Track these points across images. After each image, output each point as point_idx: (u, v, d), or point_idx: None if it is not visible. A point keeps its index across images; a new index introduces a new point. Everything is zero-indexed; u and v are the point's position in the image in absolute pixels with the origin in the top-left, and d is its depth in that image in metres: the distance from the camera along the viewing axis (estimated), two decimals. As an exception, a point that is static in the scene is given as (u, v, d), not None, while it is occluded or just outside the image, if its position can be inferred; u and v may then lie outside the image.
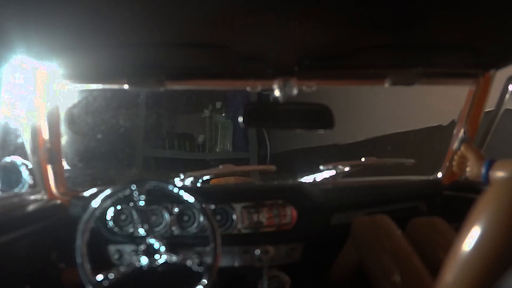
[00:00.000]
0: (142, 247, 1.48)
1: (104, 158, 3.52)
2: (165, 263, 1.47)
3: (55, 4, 0.98)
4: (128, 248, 1.63)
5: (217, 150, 4.49)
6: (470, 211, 1.03)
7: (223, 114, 4.56)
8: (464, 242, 1.01)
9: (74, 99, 2.23)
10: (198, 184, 1.99)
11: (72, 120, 1.97)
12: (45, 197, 1.62)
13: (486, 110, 1.69)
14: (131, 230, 1.63)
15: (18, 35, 1.16)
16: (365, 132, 3.67)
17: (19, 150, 1.61)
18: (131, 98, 3.81)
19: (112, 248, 1.64)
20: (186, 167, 3.87)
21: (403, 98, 2.91)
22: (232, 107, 4.56)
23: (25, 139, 1.57)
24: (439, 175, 1.89)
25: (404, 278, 1.23)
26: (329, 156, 3.81)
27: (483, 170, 1.20)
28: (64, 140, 1.71)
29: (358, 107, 3.57)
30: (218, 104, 4.54)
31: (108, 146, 3.54)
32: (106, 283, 1.40)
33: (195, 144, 4.49)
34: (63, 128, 1.70)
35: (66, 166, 1.72)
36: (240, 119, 1.49)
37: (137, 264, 1.46)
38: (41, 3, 0.97)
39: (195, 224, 1.64)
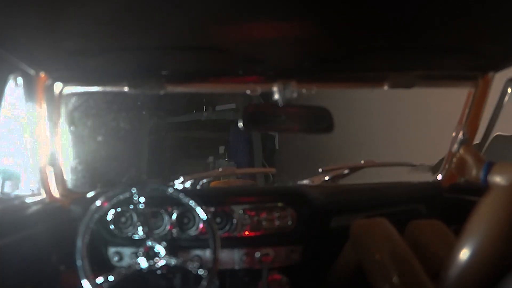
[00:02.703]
0: (142, 249, 1.48)
1: (105, 161, 3.53)
2: (165, 265, 1.47)
3: (56, 9, 0.98)
4: (128, 250, 1.63)
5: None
6: (470, 215, 1.03)
7: (226, 159, 4.66)
8: (465, 246, 1.01)
9: (76, 101, 2.24)
10: (198, 187, 1.99)
11: (73, 123, 1.97)
12: (45, 199, 1.62)
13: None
14: (131, 232, 1.63)
15: (19, 38, 1.17)
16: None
17: (20, 152, 1.62)
18: (129, 136, 3.87)
19: (112, 250, 1.64)
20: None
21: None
22: (234, 151, 4.68)
23: (26, 141, 1.57)
24: (439, 177, 1.89)
25: (402, 281, 1.23)
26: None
27: (482, 172, 1.21)
28: (64, 142, 1.72)
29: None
30: (221, 149, 4.64)
31: (109, 149, 3.55)
32: (106, 285, 1.41)
33: None
34: (63, 130, 1.71)
35: (66, 168, 1.73)
36: (240, 124, 1.49)
37: (137, 267, 1.46)
38: (42, 8, 0.97)
39: (195, 227, 1.64)
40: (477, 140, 1.72)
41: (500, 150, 1.79)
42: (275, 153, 5.33)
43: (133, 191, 1.47)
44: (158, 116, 4.61)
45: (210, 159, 4.68)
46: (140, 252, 1.48)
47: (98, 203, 1.46)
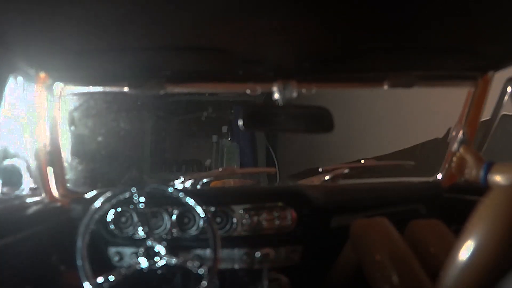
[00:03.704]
0: (142, 249, 1.48)
1: (105, 161, 3.53)
2: (165, 265, 1.47)
3: (56, 9, 0.98)
4: (128, 250, 1.63)
5: (224, 172, 4.57)
6: (471, 215, 1.03)
7: (229, 138, 4.63)
8: (463, 247, 1.01)
9: (76, 101, 2.24)
10: (198, 187, 1.99)
11: (73, 123, 1.97)
12: (45, 199, 1.62)
13: (482, 120, 1.70)
14: (131, 232, 1.64)
15: (19, 38, 1.17)
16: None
17: (20, 152, 1.62)
18: (132, 117, 3.86)
19: (112, 250, 1.65)
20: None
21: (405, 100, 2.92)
22: (237, 131, 4.64)
23: (26, 141, 1.57)
24: (439, 177, 1.89)
25: (402, 281, 1.23)
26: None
27: (481, 172, 1.21)
28: (64, 142, 1.72)
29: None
30: (224, 128, 4.61)
31: (109, 149, 3.55)
32: (106, 286, 1.41)
33: (202, 168, 4.57)
34: (64, 130, 1.71)
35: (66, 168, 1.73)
36: (240, 122, 1.49)
37: (137, 267, 1.46)
38: (42, 8, 0.98)
39: (195, 227, 1.64)
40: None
41: (506, 129, 1.78)
42: (278, 135, 5.24)
43: (133, 191, 1.47)
44: (161, 100, 4.57)
45: (214, 138, 4.64)
46: (141, 252, 1.48)
47: (97, 203, 1.46)
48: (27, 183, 1.63)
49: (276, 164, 4.37)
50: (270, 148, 4.52)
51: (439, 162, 1.89)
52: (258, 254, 1.66)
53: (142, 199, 1.48)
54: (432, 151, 2.70)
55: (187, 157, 4.67)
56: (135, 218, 1.62)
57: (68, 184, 1.72)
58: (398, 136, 3.35)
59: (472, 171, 1.29)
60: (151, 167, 4.35)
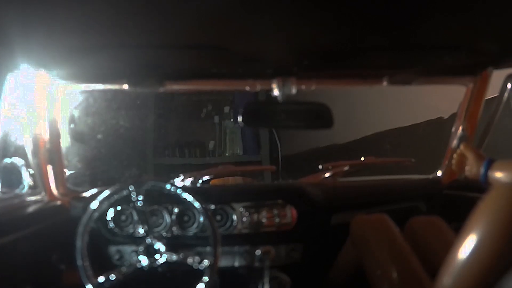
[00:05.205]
0: (143, 247, 1.48)
1: (105, 159, 3.51)
2: (166, 263, 1.47)
3: (55, 6, 0.98)
4: (128, 248, 1.63)
5: (227, 154, 4.53)
6: (470, 214, 1.03)
7: (231, 120, 4.59)
8: (463, 245, 1.01)
9: (76, 100, 2.24)
10: (198, 185, 1.99)
11: (72, 122, 1.97)
12: (45, 198, 1.62)
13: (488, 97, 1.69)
14: (131, 230, 1.64)
15: (18, 36, 1.17)
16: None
17: (20, 151, 1.62)
18: (134, 101, 3.83)
19: (112, 249, 1.64)
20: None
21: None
22: (239, 111, 4.57)
23: (26, 140, 1.57)
24: (439, 174, 1.89)
25: (401, 277, 1.24)
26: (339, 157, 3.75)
27: (482, 170, 1.20)
28: (64, 141, 1.71)
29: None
30: (226, 109, 4.57)
31: (109, 147, 3.53)
32: (107, 284, 1.41)
33: (206, 151, 4.55)
34: (64, 129, 1.71)
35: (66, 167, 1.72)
36: (240, 118, 1.49)
37: (137, 265, 1.46)
38: (41, 5, 0.97)
39: (195, 224, 1.64)
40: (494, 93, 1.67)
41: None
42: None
43: (131, 189, 1.47)
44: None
45: (216, 119, 4.62)
46: (141, 250, 1.48)
47: (95, 203, 1.46)
48: (27, 182, 1.63)
49: (279, 143, 4.35)
50: (273, 129, 4.49)
51: (442, 144, 1.88)
52: (258, 252, 1.66)
53: (141, 197, 1.48)
54: (436, 131, 2.68)
55: (190, 139, 4.62)
56: (135, 216, 1.62)
57: (67, 183, 1.72)
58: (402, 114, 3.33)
59: (472, 169, 1.28)
60: (153, 154, 4.32)
